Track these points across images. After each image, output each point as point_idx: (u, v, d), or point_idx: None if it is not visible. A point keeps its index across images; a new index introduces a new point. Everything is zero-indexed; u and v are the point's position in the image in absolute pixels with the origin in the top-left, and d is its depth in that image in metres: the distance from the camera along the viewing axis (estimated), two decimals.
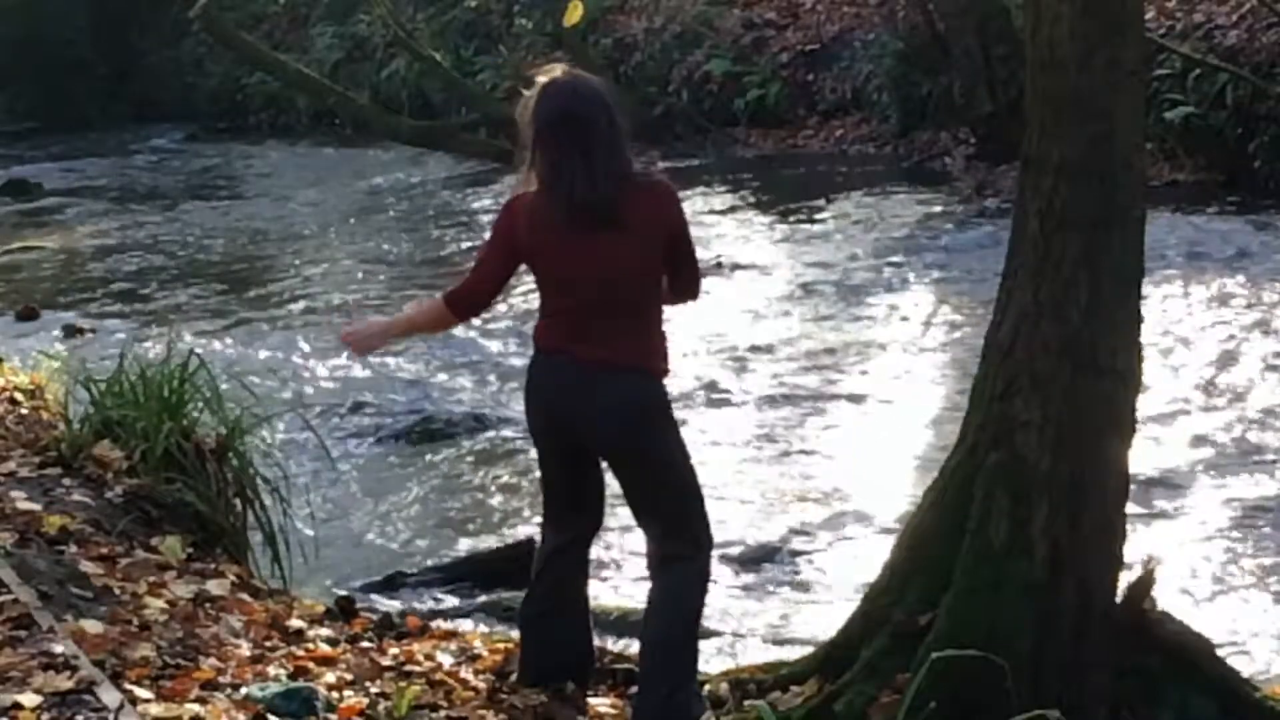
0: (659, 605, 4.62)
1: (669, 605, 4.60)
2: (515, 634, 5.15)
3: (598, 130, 4.43)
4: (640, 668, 4.66)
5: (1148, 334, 4.27)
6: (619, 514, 4.86)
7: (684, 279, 4.61)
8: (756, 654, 5.80)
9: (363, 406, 9.69)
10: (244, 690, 4.41)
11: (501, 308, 10.70)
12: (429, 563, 7.14)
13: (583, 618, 4.88)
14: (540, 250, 4.55)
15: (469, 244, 15.21)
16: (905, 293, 12.06)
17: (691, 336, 10.38)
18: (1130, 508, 4.28)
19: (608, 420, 4.52)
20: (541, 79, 4.57)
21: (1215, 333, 10.21)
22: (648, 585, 4.72)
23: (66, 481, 5.97)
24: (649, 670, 4.59)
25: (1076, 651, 4.12)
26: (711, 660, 5.57)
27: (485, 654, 5.10)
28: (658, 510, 4.62)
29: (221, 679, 4.50)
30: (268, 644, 4.96)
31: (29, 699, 4.08)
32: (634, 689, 4.68)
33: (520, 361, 4.82)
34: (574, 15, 7.32)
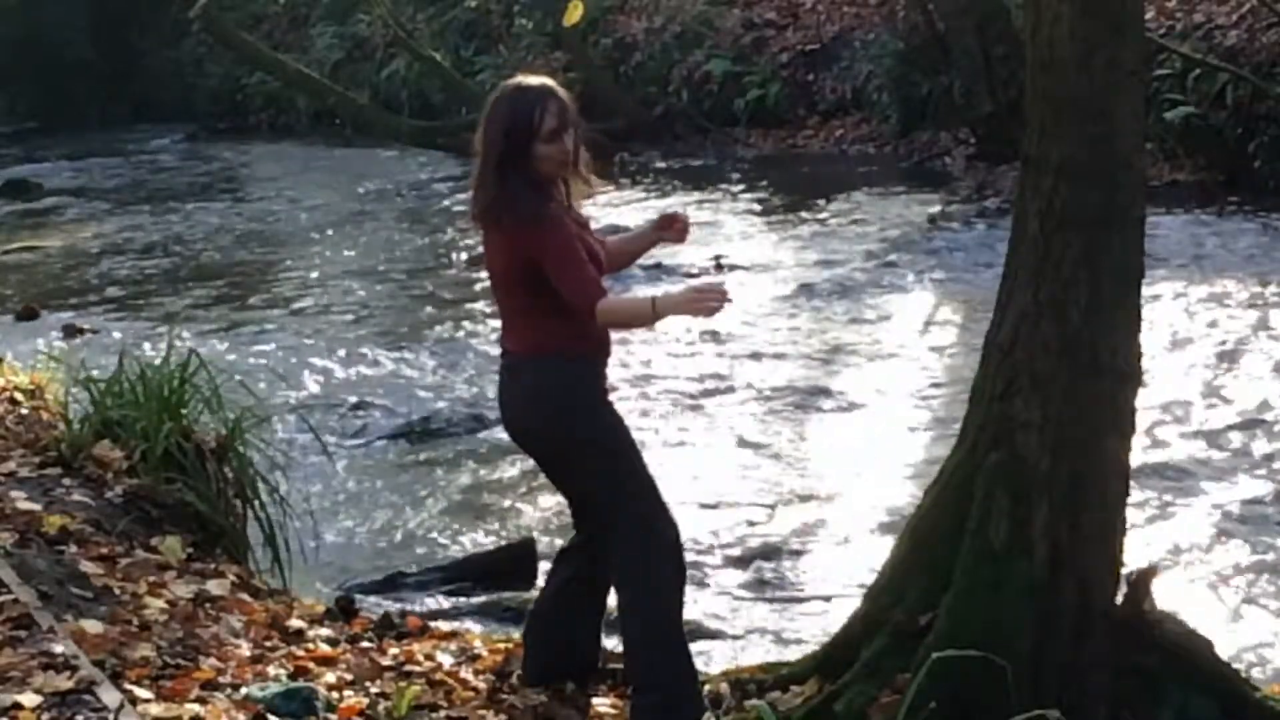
0: (622, 614, 4.59)
1: (630, 614, 4.55)
2: (516, 634, 5.15)
3: (481, 145, 4.50)
4: (626, 671, 4.67)
5: (1148, 334, 4.27)
6: None
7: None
8: (756, 654, 5.80)
9: (363, 406, 9.69)
10: (244, 690, 4.41)
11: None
12: (429, 563, 7.14)
13: (591, 619, 4.87)
14: None
15: (468, 245, 15.21)
16: (905, 293, 12.05)
17: (691, 336, 10.40)
18: (1130, 508, 4.28)
19: (513, 408, 4.57)
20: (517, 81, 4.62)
21: (1215, 332, 10.20)
22: None
23: (66, 481, 5.98)
24: (632, 674, 4.60)
25: (1076, 651, 4.12)
26: (711, 660, 5.57)
27: (485, 654, 5.10)
28: (596, 506, 4.58)
29: (221, 679, 4.50)
30: (268, 644, 4.97)
31: (29, 699, 4.09)
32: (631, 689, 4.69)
33: None
34: (574, 15, 7.30)
